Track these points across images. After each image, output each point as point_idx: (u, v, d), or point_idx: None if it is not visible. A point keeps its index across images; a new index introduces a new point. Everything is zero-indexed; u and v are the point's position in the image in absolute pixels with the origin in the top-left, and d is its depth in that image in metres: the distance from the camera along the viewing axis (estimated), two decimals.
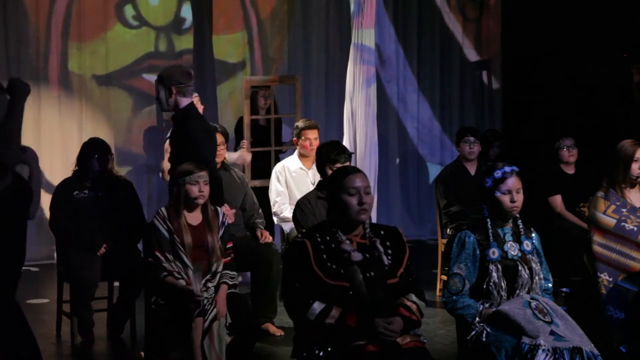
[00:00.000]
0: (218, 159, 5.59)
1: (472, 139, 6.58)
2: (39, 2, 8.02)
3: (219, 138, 5.64)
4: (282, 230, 6.20)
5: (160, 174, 6.56)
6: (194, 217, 4.65)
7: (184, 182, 4.59)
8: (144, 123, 8.45)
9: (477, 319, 3.74)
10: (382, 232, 3.65)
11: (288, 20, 8.86)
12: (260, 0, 8.79)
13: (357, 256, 3.52)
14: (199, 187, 4.59)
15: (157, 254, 4.50)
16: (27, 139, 7.54)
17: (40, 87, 8.00)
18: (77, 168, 5.63)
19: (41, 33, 8.06)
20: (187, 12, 8.54)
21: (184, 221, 4.58)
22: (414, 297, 3.58)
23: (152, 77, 8.46)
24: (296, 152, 6.39)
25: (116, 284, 5.72)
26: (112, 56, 8.28)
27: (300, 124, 6.38)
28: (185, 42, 8.53)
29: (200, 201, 4.62)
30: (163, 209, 4.63)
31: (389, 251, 3.59)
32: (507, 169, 3.86)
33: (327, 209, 3.66)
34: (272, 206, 6.27)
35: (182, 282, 4.45)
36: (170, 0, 8.52)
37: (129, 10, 8.38)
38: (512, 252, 3.83)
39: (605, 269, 4.73)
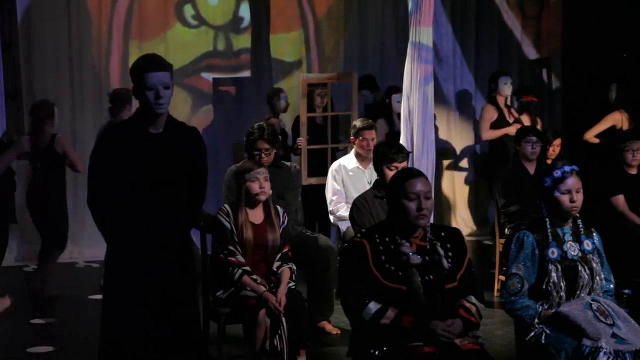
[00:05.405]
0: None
1: (534, 139, 6.50)
2: (102, 3, 8.18)
3: (264, 145, 5.39)
4: (338, 229, 6.21)
5: None
6: (257, 216, 4.71)
7: (244, 180, 4.66)
8: (202, 122, 8.54)
9: (537, 320, 3.69)
10: (443, 234, 3.62)
11: (345, 19, 8.86)
12: (317, 0, 8.81)
13: (416, 259, 3.49)
14: (260, 184, 4.66)
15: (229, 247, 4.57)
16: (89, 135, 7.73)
17: (102, 86, 8.15)
18: None
19: (103, 33, 8.21)
20: (245, 11, 8.61)
21: (245, 218, 4.64)
22: (473, 299, 3.56)
23: (210, 76, 8.58)
24: (353, 151, 6.38)
25: None
26: (171, 55, 8.33)
27: (358, 124, 6.36)
28: (244, 42, 8.60)
29: (262, 197, 4.68)
30: (227, 206, 4.71)
31: (450, 254, 3.56)
32: (567, 168, 3.80)
33: (387, 210, 3.65)
34: (328, 205, 6.28)
35: (262, 288, 4.52)
36: (229, 0, 8.60)
37: (188, 10, 8.49)
38: (572, 253, 3.78)
39: None
